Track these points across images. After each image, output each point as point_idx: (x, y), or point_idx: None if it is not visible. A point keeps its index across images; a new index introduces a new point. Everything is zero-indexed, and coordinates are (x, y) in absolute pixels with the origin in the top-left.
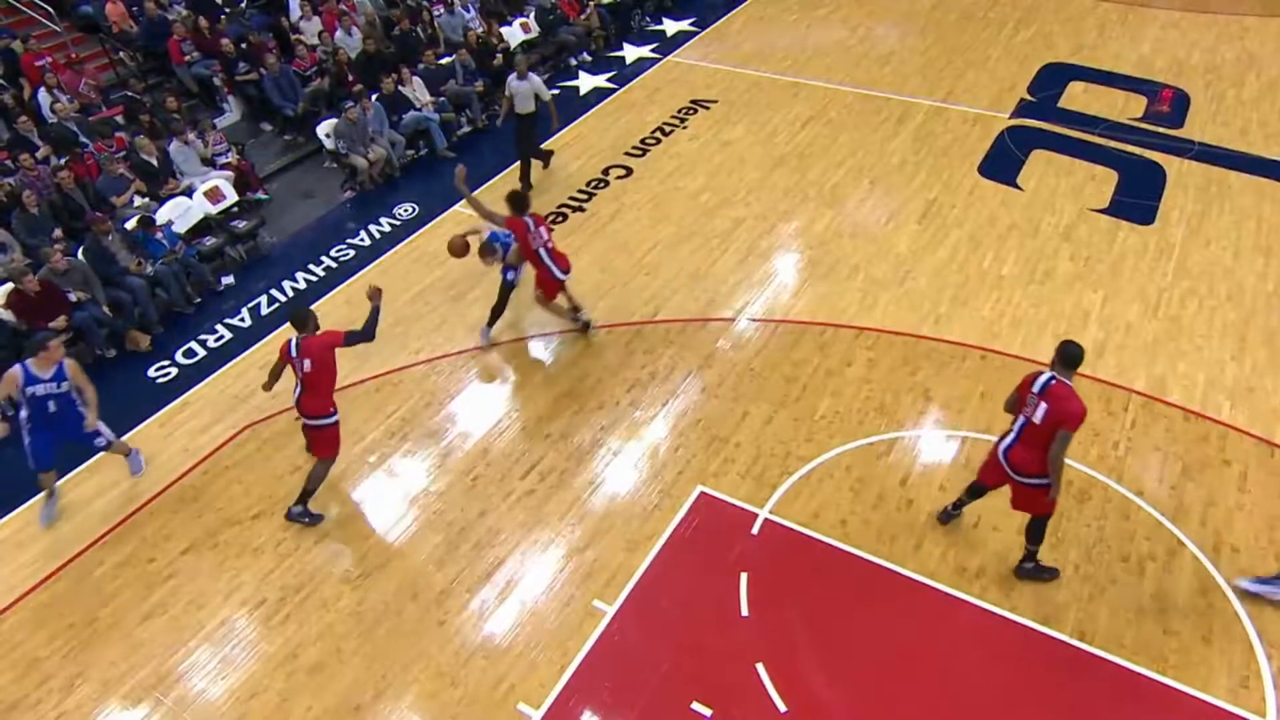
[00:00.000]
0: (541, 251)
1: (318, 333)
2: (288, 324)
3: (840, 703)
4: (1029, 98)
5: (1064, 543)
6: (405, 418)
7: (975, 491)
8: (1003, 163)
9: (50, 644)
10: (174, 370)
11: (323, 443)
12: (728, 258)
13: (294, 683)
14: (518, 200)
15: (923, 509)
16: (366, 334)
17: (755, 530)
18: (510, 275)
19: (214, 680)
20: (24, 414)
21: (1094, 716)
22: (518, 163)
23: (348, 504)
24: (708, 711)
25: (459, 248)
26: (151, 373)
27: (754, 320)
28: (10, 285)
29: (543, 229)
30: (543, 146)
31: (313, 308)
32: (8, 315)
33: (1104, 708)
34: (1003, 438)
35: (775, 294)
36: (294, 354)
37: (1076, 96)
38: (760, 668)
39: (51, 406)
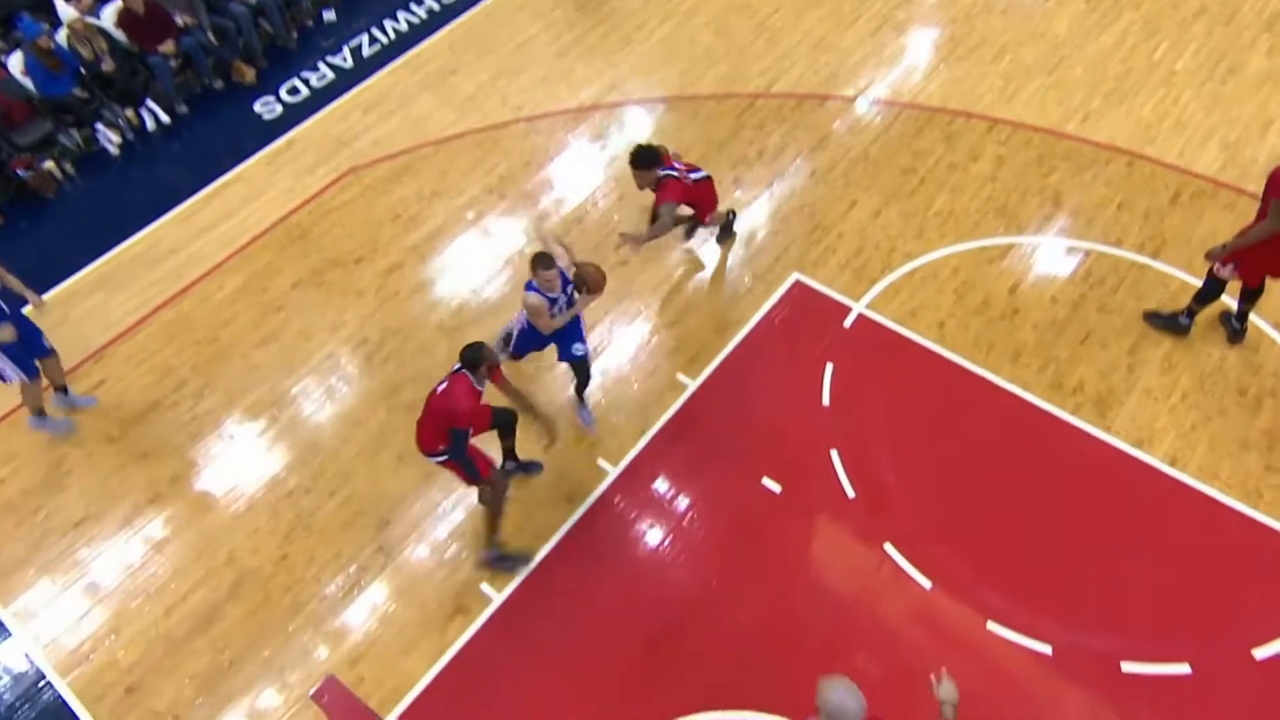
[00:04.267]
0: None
1: (462, 390)
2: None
3: (908, 498)
4: None
5: (1176, 368)
6: (504, 175)
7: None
8: None
9: (180, 355)
10: (279, 107)
11: (457, 475)
12: (859, 28)
13: (393, 418)
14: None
15: (1029, 319)
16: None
17: (848, 324)
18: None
19: (321, 405)
20: None
21: (1172, 541)
22: None
23: (446, 257)
24: (777, 488)
25: (597, 280)
26: (257, 108)
27: (877, 101)
28: (119, 2)
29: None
30: None
31: (419, 70)
32: (120, 34)
33: (1185, 534)
34: None
35: (906, 74)
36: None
37: None
38: (834, 454)
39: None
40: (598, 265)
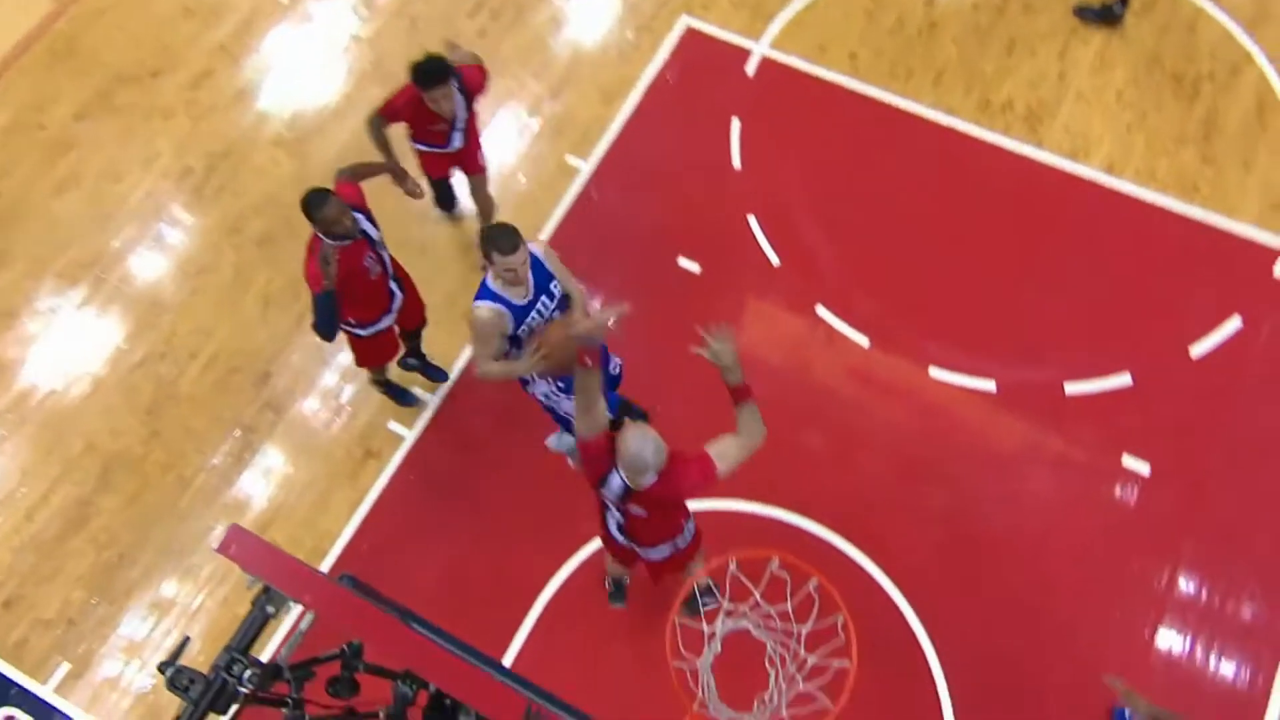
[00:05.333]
0: None
1: (311, 252)
2: None
3: (836, 256)
4: None
5: (1110, 65)
6: None
7: None
8: None
9: None
10: None
11: None
12: None
13: (245, 257)
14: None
15: (948, 32)
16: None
17: (750, 70)
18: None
19: (153, 256)
20: None
21: (1108, 254)
22: None
23: (265, 53)
24: (696, 266)
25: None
26: None
27: None
28: None
29: None
30: None
31: None
32: None
33: (1121, 245)
34: None
35: None
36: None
37: None
38: (752, 220)
39: None
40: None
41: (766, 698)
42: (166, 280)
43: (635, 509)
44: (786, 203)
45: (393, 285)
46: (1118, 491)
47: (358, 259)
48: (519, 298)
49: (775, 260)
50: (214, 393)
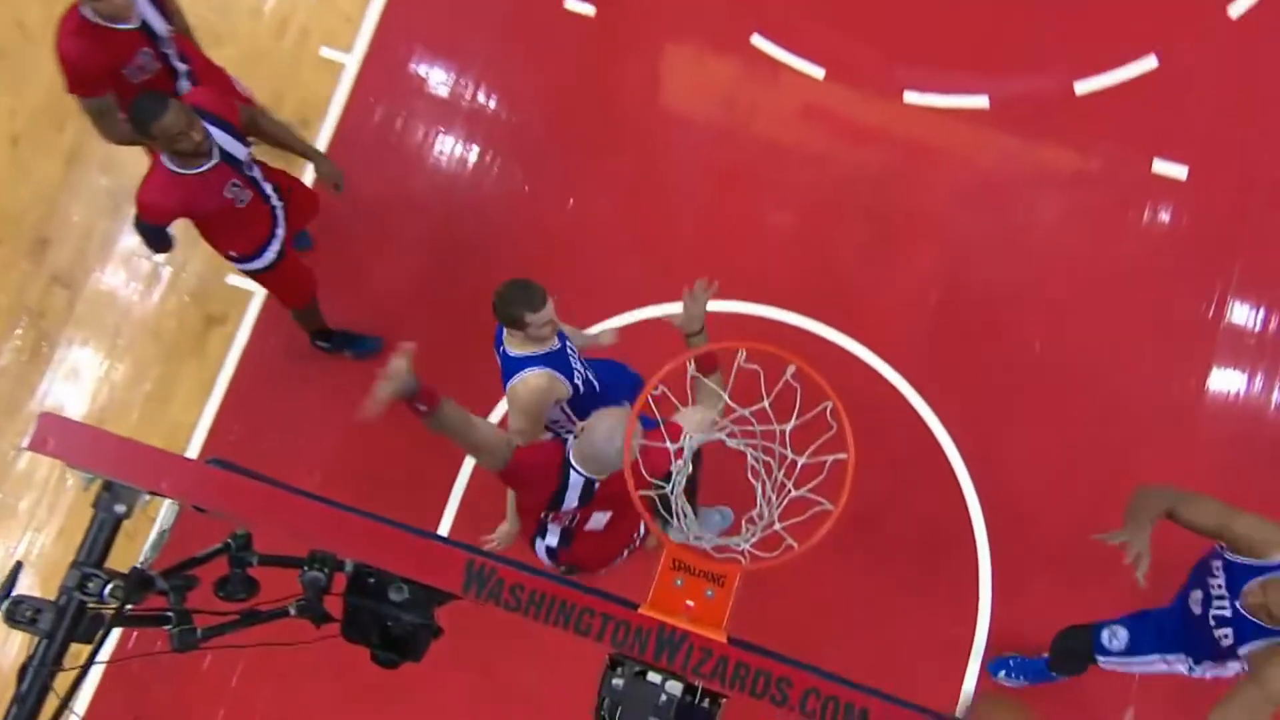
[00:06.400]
0: None
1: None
2: None
3: None
4: None
5: None
6: None
7: None
8: None
9: None
10: None
11: None
12: None
13: None
14: None
15: None
16: None
17: None
18: None
19: None
20: None
21: None
22: None
23: None
24: (588, 8)
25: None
26: None
27: None
28: None
29: None
30: None
31: None
32: None
33: None
34: None
35: None
36: None
37: None
38: None
39: None
40: None
41: (755, 515)
42: None
43: (596, 517)
44: None
45: (272, 200)
46: (1149, 210)
47: (216, 188)
48: (552, 347)
49: None
50: None
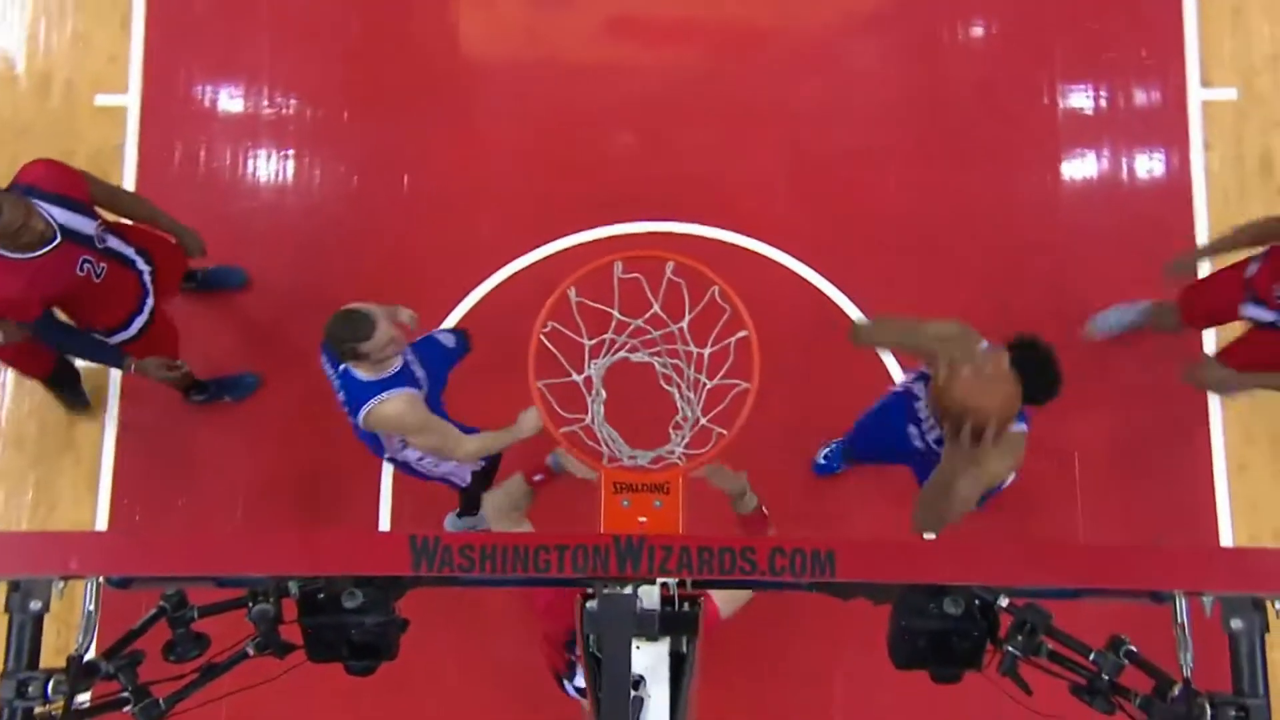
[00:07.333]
0: None
1: None
2: None
3: None
4: None
5: None
6: None
7: None
8: None
9: None
10: None
11: None
12: None
13: None
14: None
15: None
16: None
17: None
18: None
19: None
20: None
21: None
22: None
23: None
24: None
25: None
26: None
27: None
28: None
29: None
30: None
31: None
32: None
33: None
34: None
35: None
36: None
37: None
38: None
39: None
40: None
41: (680, 419)
42: None
43: None
44: None
45: (138, 264)
46: (960, 27)
47: (65, 269)
48: (397, 367)
49: None
50: None
